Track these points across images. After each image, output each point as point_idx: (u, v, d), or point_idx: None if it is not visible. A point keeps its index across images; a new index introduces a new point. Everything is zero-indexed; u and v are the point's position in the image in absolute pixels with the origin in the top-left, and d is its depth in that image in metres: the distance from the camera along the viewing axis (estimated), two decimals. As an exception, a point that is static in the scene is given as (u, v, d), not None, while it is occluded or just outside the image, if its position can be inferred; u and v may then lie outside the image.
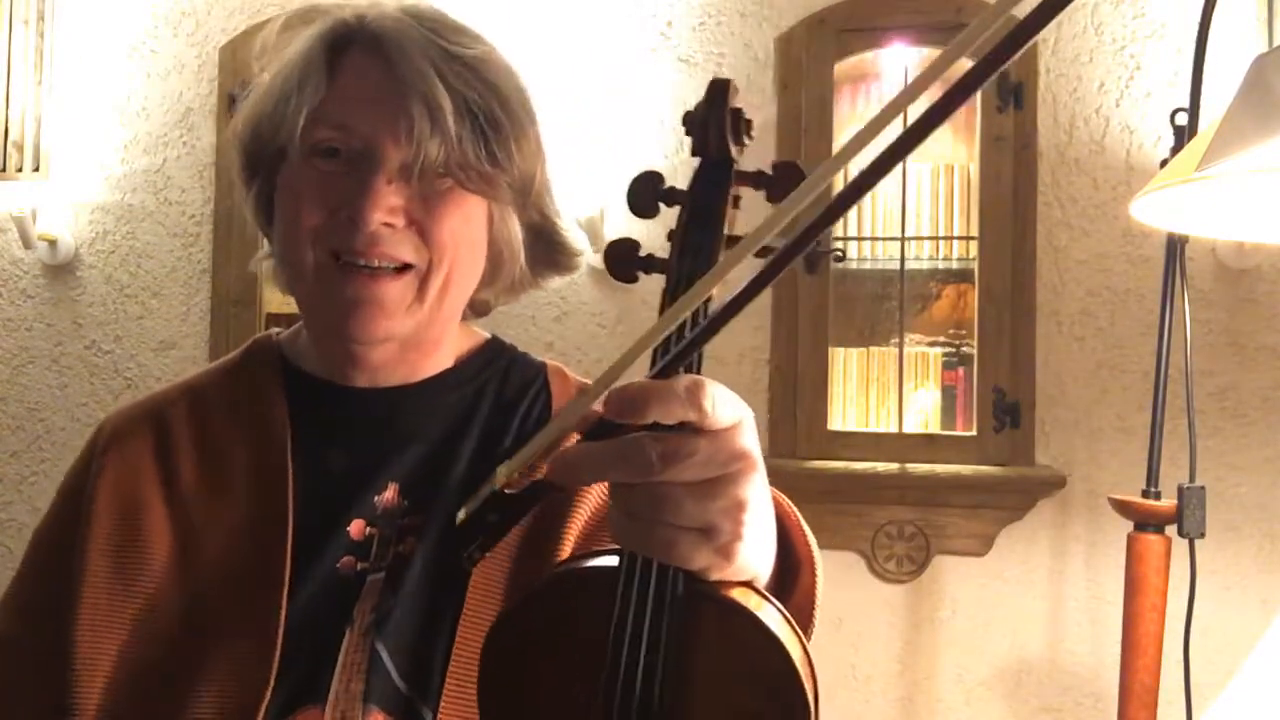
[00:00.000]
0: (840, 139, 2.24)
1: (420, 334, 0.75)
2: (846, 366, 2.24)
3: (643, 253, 0.57)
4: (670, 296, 0.53)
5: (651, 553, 0.48)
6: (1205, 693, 1.82)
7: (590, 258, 2.22)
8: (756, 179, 0.58)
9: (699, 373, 0.48)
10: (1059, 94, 2.14)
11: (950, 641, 2.15)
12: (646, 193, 0.59)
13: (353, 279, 0.70)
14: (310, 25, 0.75)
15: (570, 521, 0.73)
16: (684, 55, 2.27)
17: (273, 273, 0.82)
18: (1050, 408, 2.11)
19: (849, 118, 2.31)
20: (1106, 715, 2.02)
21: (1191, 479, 1.62)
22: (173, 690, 0.69)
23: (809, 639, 0.60)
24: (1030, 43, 0.33)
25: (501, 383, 0.82)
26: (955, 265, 2.25)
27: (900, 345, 2.20)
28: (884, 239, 2.25)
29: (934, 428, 2.19)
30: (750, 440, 0.48)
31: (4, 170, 2.50)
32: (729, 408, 0.46)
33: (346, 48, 0.73)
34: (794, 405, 2.17)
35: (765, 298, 2.19)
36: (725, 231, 0.56)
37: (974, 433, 2.12)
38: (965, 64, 0.36)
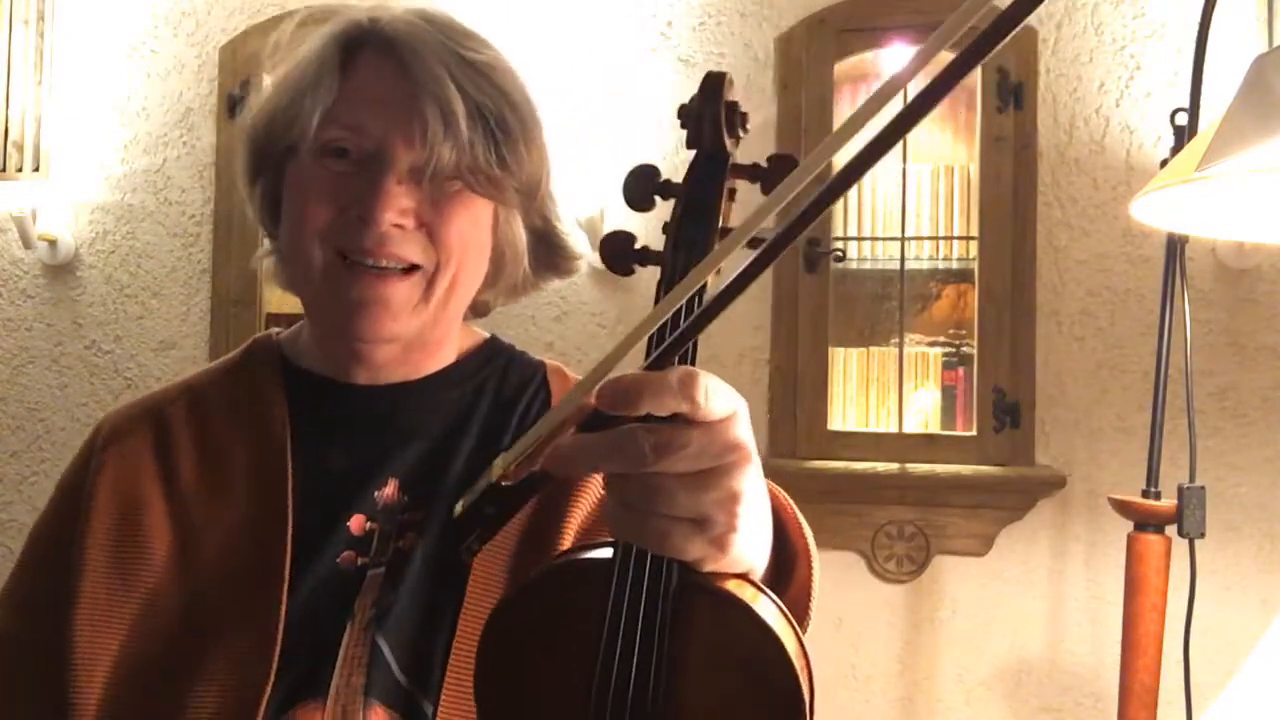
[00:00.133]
0: (840, 139, 2.23)
1: (425, 334, 0.76)
2: (846, 366, 2.24)
3: (638, 245, 0.57)
4: (665, 288, 0.54)
5: (645, 543, 0.49)
6: (1205, 693, 1.82)
7: (590, 258, 2.22)
8: (752, 172, 0.58)
9: (693, 364, 0.48)
10: (1059, 94, 2.14)
11: (950, 641, 2.15)
12: (642, 186, 0.59)
13: (360, 279, 0.71)
14: (323, 25, 0.76)
15: (570, 515, 0.74)
16: (684, 55, 2.27)
17: (274, 271, 0.83)
18: (1050, 408, 2.11)
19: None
20: (1106, 715, 2.02)
21: (1191, 479, 1.62)
22: (173, 686, 0.69)
23: (805, 632, 0.60)
24: (1014, 32, 0.33)
25: (501, 381, 0.83)
26: (955, 265, 2.25)
27: (900, 345, 2.20)
28: (884, 239, 2.25)
29: (934, 428, 2.19)
30: (744, 432, 0.48)
31: (4, 170, 2.50)
32: (722, 399, 0.46)
33: (360, 49, 0.74)
34: (794, 405, 2.17)
35: (765, 298, 2.19)
36: (720, 224, 0.56)
37: (974, 433, 2.12)
38: (948, 56, 0.36)
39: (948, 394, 2.21)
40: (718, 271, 0.46)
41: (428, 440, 0.78)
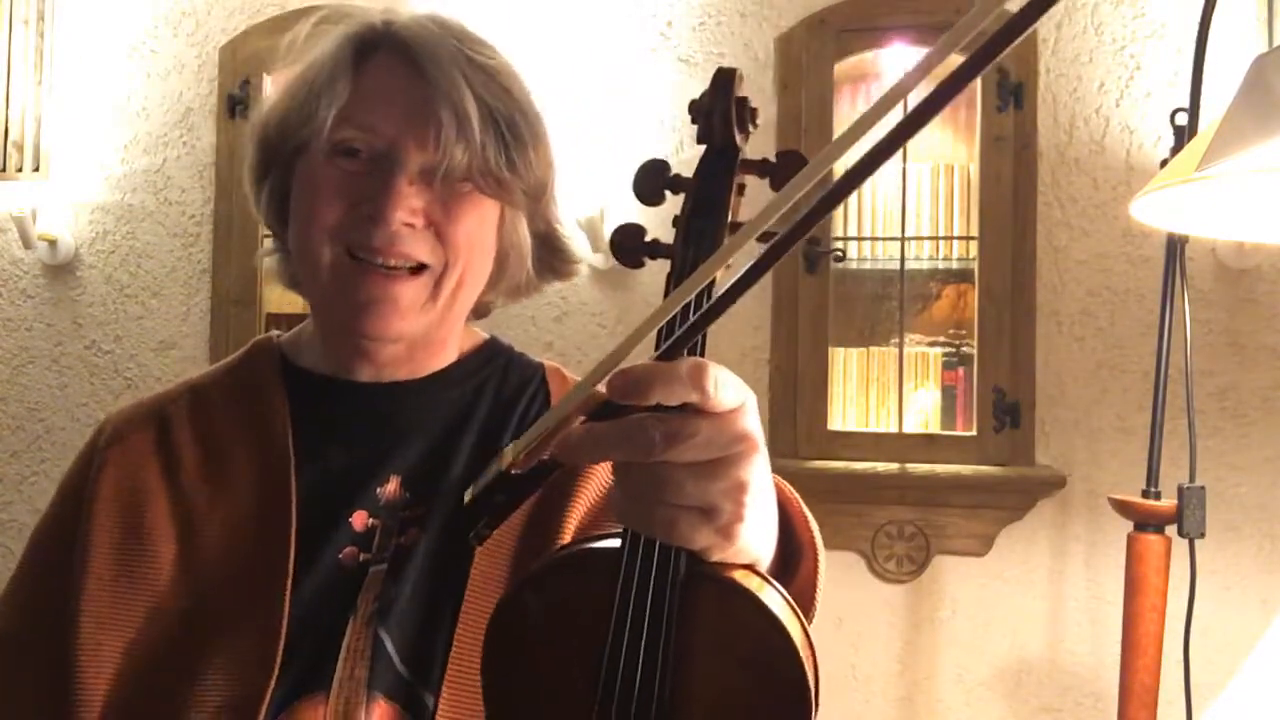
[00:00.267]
0: (840, 139, 2.23)
1: (430, 333, 0.77)
2: (846, 366, 2.24)
3: (648, 238, 0.58)
4: (675, 281, 0.54)
5: (653, 532, 0.49)
6: (1205, 693, 1.83)
7: (590, 258, 2.22)
8: (761, 167, 0.59)
9: (702, 356, 0.49)
10: (1059, 94, 2.14)
11: (950, 641, 2.15)
12: (652, 180, 0.59)
13: (369, 278, 0.72)
14: (337, 26, 0.77)
15: (571, 508, 0.75)
16: (684, 55, 2.27)
17: (276, 269, 0.85)
18: (1050, 408, 2.11)
19: (849, 117, 2.31)
20: (1106, 715, 2.02)
21: (1191, 479, 1.62)
22: (177, 681, 0.69)
23: (810, 623, 0.61)
24: (1026, 33, 0.33)
25: (501, 382, 0.84)
26: (955, 265, 2.25)
27: (900, 345, 2.20)
28: (884, 239, 2.25)
29: (934, 428, 2.19)
30: (752, 423, 0.48)
31: (4, 170, 2.50)
32: (731, 390, 0.47)
33: (374, 51, 0.75)
34: (794, 405, 2.17)
35: (765, 298, 2.19)
36: (730, 218, 0.57)
37: (974, 433, 2.12)
38: (958, 57, 0.37)
39: (948, 394, 2.21)
40: (727, 266, 0.46)
41: (428, 438, 0.79)
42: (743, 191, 0.59)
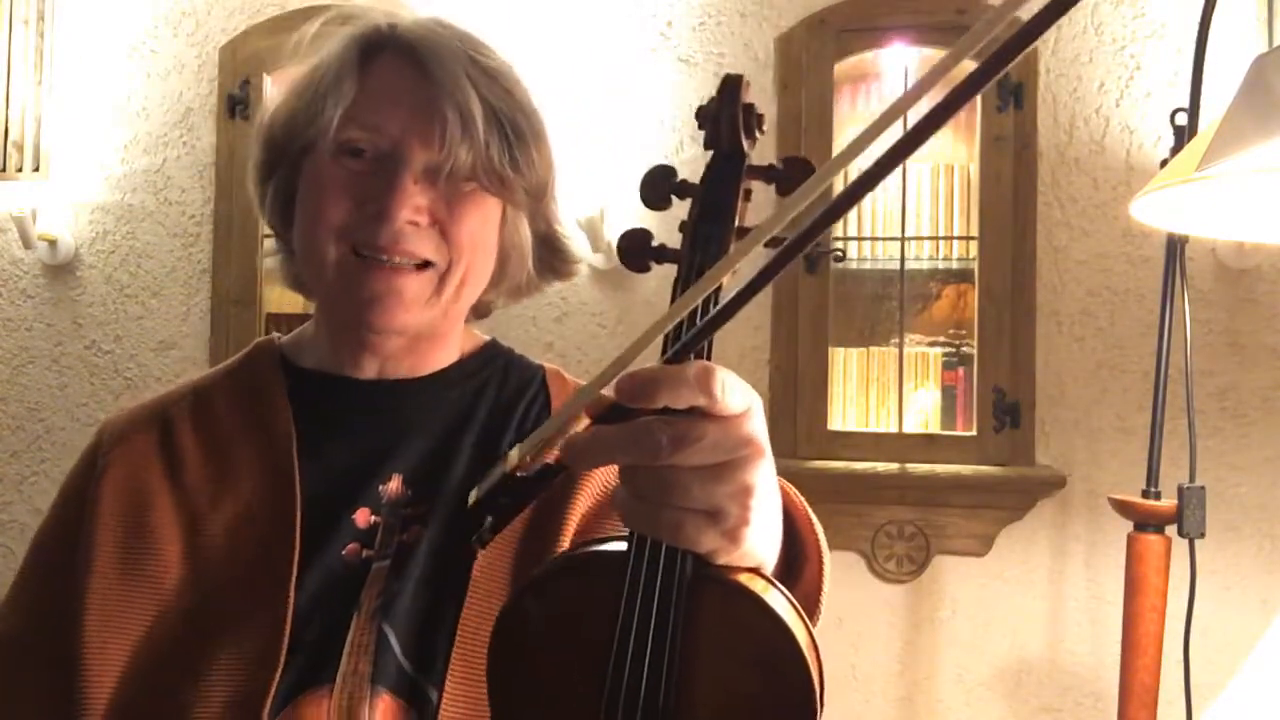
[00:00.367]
0: (840, 139, 2.24)
1: (433, 328, 0.79)
2: (846, 366, 2.24)
3: (655, 243, 0.58)
4: (682, 286, 0.55)
5: (659, 534, 0.49)
6: (1205, 693, 1.82)
7: (591, 258, 2.22)
8: (767, 173, 0.59)
9: (709, 360, 0.49)
10: (1059, 94, 2.14)
11: (950, 641, 2.15)
12: (659, 185, 0.60)
13: (374, 273, 0.73)
14: (342, 29, 0.78)
15: (572, 507, 0.75)
16: (684, 55, 2.27)
17: (279, 270, 0.86)
18: (1050, 408, 2.11)
19: (849, 118, 2.31)
20: (1106, 715, 2.02)
21: (1191, 479, 1.62)
22: (183, 678, 0.70)
23: (815, 626, 0.61)
24: (1036, 41, 0.33)
25: (501, 383, 0.85)
26: (955, 265, 2.25)
27: (900, 345, 2.20)
28: (884, 239, 2.25)
29: (934, 428, 2.19)
30: (758, 427, 0.49)
31: (4, 170, 2.50)
32: (738, 394, 0.47)
33: (379, 52, 0.76)
34: (794, 405, 2.17)
35: (765, 298, 2.19)
36: (736, 224, 0.57)
37: (974, 433, 2.12)
38: (969, 64, 0.37)
39: (948, 394, 2.21)
40: (734, 271, 0.46)
41: (429, 437, 0.80)
42: (749, 197, 0.60)
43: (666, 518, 0.47)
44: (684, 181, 0.60)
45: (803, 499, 0.68)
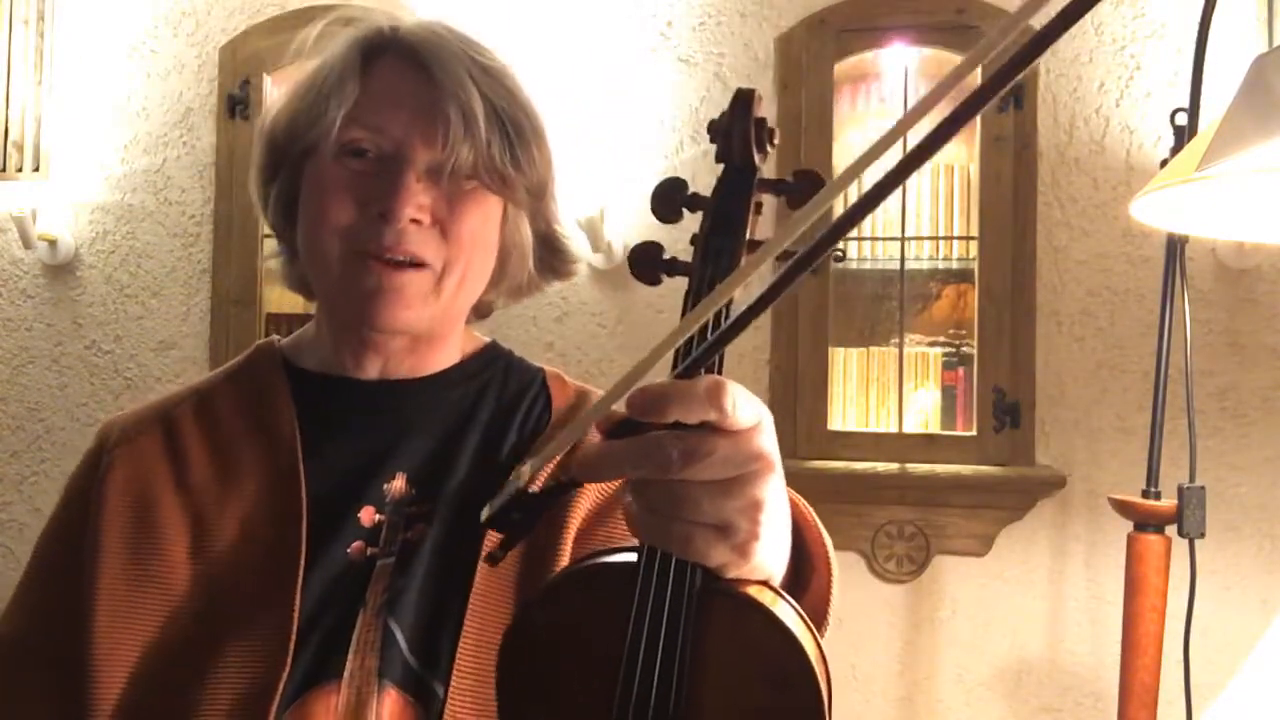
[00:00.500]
0: (840, 139, 2.24)
1: (434, 328, 0.80)
2: (846, 366, 2.24)
3: (666, 256, 0.59)
4: (693, 299, 0.55)
5: (669, 547, 0.49)
6: (1205, 693, 1.83)
7: (591, 258, 2.22)
8: (778, 186, 0.60)
9: (720, 373, 0.49)
10: (1059, 94, 2.14)
11: (950, 641, 2.15)
12: (670, 198, 0.60)
13: (375, 268, 0.74)
14: (344, 31, 0.79)
15: (574, 505, 0.76)
16: (684, 55, 2.27)
17: (281, 271, 0.87)
18: (1050, 408, 2.11)
19: (849, 118, 2.31)
20: (1106, 715, 2.02)
21: (1191, 479, 1.62)
22: (191, 676, 0.71)
23: (822, 637, 0.61)
24: (1046, 50, 0.33)
25: (502, 385, 0.86)
26: (955, 265, 2.25)
27: (900, 345, 2.21)
28: (884, 239, 2.25)
29: (934, 428, 2.19)
30: (769, 441, 0.49)
31: (4, 170, 2.50)
32: (749, 409, 0.47)
33: (381, 54, 0.77)
34: (794, 405, 2.17)
35: (765, 298, 2.19)
36: (747, 237, 0.57)
37: (974, 433, 2.12)
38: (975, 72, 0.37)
39: (948, 394, 2.21)
40: (744, 285, 0.46)
41: (432, 437, 0.80)
42: (760, 210, 0.60)
43: (677, 531, 0.48)
44: (695, 194, 0.60)
45: (812, 510, 0.68)
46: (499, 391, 0.84)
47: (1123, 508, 1.66)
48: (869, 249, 2.28)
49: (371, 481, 0.78)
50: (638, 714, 0.52)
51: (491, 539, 0.73)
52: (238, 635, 0.71)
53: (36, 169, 2.50)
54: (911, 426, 2.19)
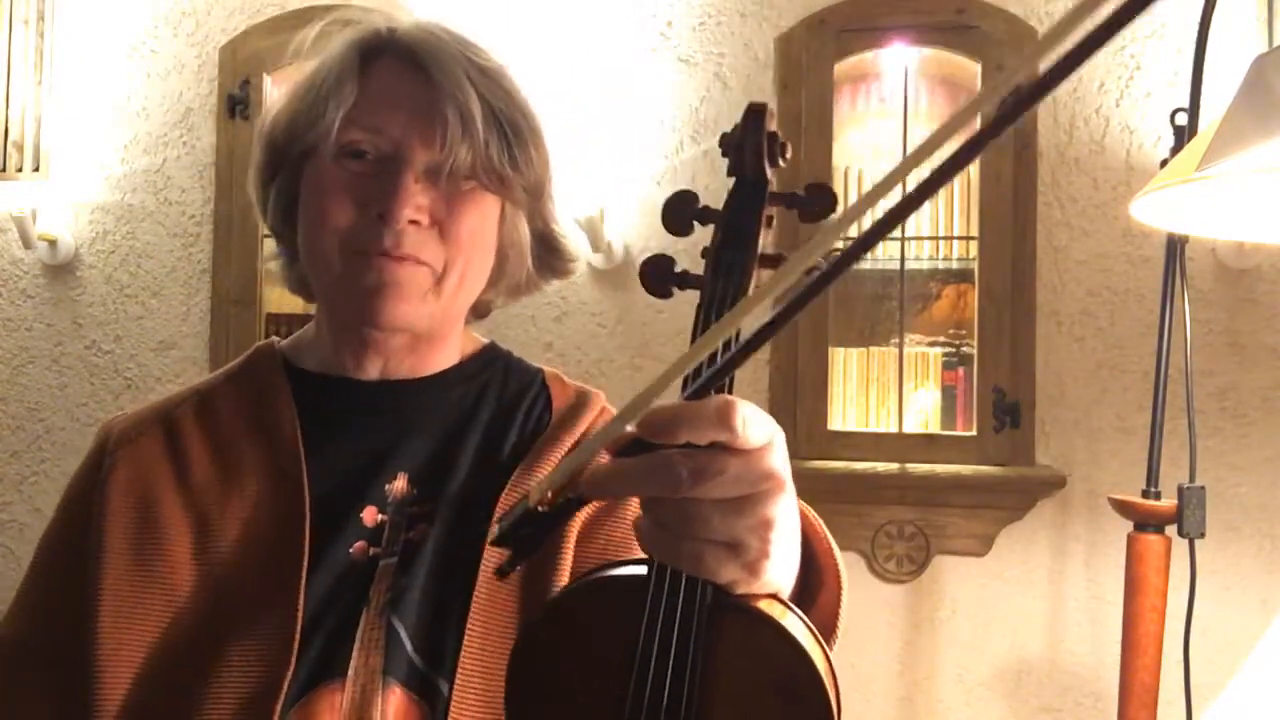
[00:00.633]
0: (840, 139, 2.24)
1: (434, 327, 0.80)
2: (846, 366, 2.24)
3: (678, 269, 0.59)
4: (704, 311, 0.55)
5: (680, 565, 0.50)
6: (1205, 693, 1.83)
7: (590, 258, 2.22)
8: (789, 199, 0.59)
9: (730, 392, 0.49)
10: (1059, 94, 2.13)
11: (950, 641, 2.15)
12: (681, 211, 0.60)
13: (376, 263, 0.74)
14: (342, 32, 0.80)
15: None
16: (684, 55, 2.27)
17: (281, 273, 0.87)
18: (1050, 408, 2.11)
19: (849, 118, 2.31)
20: (1106, 715, 2.02)
21: (1191, 479, 1.62)
22: (195, 676, 0.71)
23: (831, 650, 0.61)
24: (1069, 75, 0.32)
25: (502, 385, 0.86)
26: (955, 265, 2.25)
27: (900, 345, 2.21)
28: (884, 239, 2.25)
29: (934, 428, 2.19)
30: (780, 460, 0.49)
31: (4, 170, 2.50)
32: (760, 428, 0.47)
33: (379, 55, 0.78)
34: (794, 405, 2.17)
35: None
36: (759, 250, 0.58)
37: (974, 433, 2.12)
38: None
39: (948, 394, 2.21)
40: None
41: (432, 437, 0.81)
42: (771, 224, 0.60)
43: (687, 549, 0.48)
44: (706, 208, 0.60)
45: (822, 522, 0.68)
46: (499, 392, 0.85)
47: (1123, 508, 1.66)
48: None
49: (373, 482, 0.78)
50: None
51: (495, 550, 0.73)
52: (242, 635, 0.72)
53: (36, 169, 2.50)
54: (911, 426, 2.19)
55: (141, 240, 2.49)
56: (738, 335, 0.51)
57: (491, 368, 0.87)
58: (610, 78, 2.28)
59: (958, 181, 2.23)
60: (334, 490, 0.77)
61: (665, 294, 0.59)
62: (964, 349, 2.22)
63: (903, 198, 0.36)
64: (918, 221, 2.23)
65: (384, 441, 0.80)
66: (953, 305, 2.31)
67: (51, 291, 2.53)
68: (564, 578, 0.74)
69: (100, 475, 0.78)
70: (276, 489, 0.77)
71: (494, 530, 0.50)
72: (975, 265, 2.15)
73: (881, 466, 2.11)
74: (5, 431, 2.55)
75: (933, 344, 2.28)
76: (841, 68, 2.22)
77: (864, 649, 2.17)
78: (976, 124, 0.36)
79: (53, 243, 2.47)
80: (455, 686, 0.70)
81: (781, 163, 0.62)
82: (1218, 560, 2.01)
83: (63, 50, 2.52)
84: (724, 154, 0.62)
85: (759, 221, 0.58)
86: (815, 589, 0.67)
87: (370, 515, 0.77)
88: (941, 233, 2.24)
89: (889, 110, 2.28)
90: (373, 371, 0.82)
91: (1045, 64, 0.32)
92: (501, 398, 0.84)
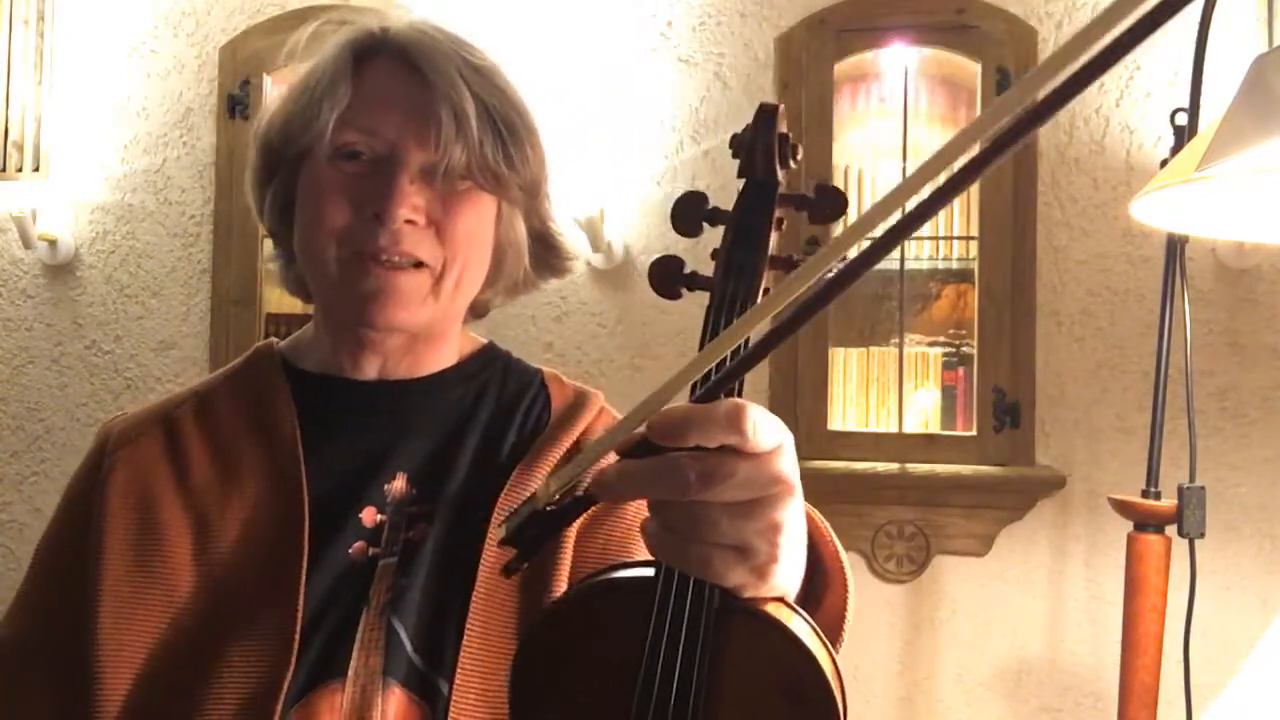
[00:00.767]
0: (840, 139, 2.24)
1: (432, 327, 0.80)
2: (846, 366, 2.24)
3: (687, 270, 0.59)
4: (714, 313, 0.55)
5: (687, 568, 0.49)
6: (1205, 693, 1.82)
7: (590, 258, 2.22)
8: (799, 201, 0.59)
9: (740, 395, 0.49)
10: (1059, 94, 2.13)
11: (950, 641, 2.15)
12: (690, 212, 0.60)
13: (372, 270, 0.74)
14: (336, 33, 0.79)
15: None
16: (684, 55, 2.27)
17: (279, 274, 0.87)
18: (1050, 408, 2.11)
19: (849, 118, 2.31)
20: (1106, 715, 2.02)
21: (1191, 479, 1.62)
22: (196, 677, 0.71)
23: (837, 653, 0.61)
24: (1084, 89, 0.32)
25: (501, 385, 0.86)
26: (955, 265, 2.26)
27: (900, 345, 2.21)
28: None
29: (934, 428, 2.19)
30: (789, 464, 0.49)
31: (4, 170, 2.50)
32: (770, 432, 0.47)
33: (373, 56, 0.78)
34: (794, 405, 2.17)
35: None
36: (769, 252, 0.58)
37: (974, 433, 2.12)
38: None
39: (948, 394, 2.21)
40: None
41: (431, 438, 0.81)
42: (781, 225, 0.60)
43: (695, 552, 0.48)
44: (716, 209, 0.60)
45: (828, 525, 0.68)
46: (498, 392, 0.85)
47: (1123, 508, 1.66)
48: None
49: (372, 482, 0.78)
50: None
51: (498, 549, 0.73)
52: (242, 635, 0.71)
53: (36, 169, 2.50)
54: (911, 426, 2.19)
55: (141, 240, 2.49)
56: (747, 339, 0.51)
57: (490, 368, 0.86)
58: (610, 78, 2.28)
59: (958, 181, 2.23)
60: (333, 490, 0.77)
61: (674, 295, 0.59)
62: (964, 349, 2.22)
63: (919, 203, 0.36)
64: (918, 221, 2.23)
65: (383, 442, 0.80)
66: (953, 305, 2.31)
67: (51, 291, 2.53)
68: (563, 577, 0.74)
69: (100, 476, 0.78)
70: (276, 489, 0.77)
71: (500, 530, 0.50)
72: (975, 265, 2.15)
73: (881, 466, 2.11)
74: (5, 431, 2.55)
75: (933, 344, 2.28)
76: (841, 68, 2.22)
77: (864, 649, 2.17)
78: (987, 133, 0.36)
79: (53, 243, 2.47)
80: (455, 686, 0.70)
81: (792, 164, 0.62)
82: (1218, 560, 2.01)
83: (63, 50, 2.52)
84: (734, 154, 0.61)
85: (769, 222, 0.58)
86: (821, 591, 0.67)
87: (369, 515, 0.77)
88: (941, 233, 2.24)
89: (889, 110, 2.28)
90: (371, 372, 0.82)
91: (1051, 85, 0.32)
92: (501, 397, 0.84)
